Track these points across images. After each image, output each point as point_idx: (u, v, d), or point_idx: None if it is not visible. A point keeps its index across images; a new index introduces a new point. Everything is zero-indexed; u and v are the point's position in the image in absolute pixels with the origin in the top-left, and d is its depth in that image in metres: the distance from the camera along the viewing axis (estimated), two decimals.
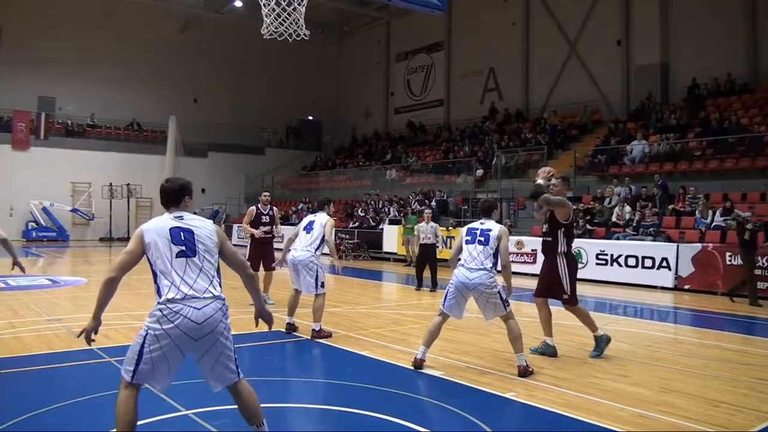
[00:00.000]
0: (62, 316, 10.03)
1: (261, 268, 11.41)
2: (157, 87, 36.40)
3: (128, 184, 33.63)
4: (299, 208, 31.33)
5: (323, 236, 8.66)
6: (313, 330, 8.58)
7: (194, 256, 4.04)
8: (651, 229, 16.82)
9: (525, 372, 6.63)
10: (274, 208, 11.92)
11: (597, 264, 16.74)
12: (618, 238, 17.17)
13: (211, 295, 4.00)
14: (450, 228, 21.03)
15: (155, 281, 4.04)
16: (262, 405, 4.31)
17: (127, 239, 33.33)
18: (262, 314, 4.46)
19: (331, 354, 7.88)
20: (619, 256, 16.36)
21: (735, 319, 11.58)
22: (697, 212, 16.97)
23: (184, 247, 4.04)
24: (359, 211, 27.92)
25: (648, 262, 15.78)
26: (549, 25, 29.69)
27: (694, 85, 23.73)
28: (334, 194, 32.08)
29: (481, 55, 33.07)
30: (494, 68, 32.86)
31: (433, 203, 23.57)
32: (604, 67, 27.61)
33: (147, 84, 36.14)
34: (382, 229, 24.78)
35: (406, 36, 38.02)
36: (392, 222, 24.71)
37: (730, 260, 14.39)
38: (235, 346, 4.21)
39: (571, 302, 7.58)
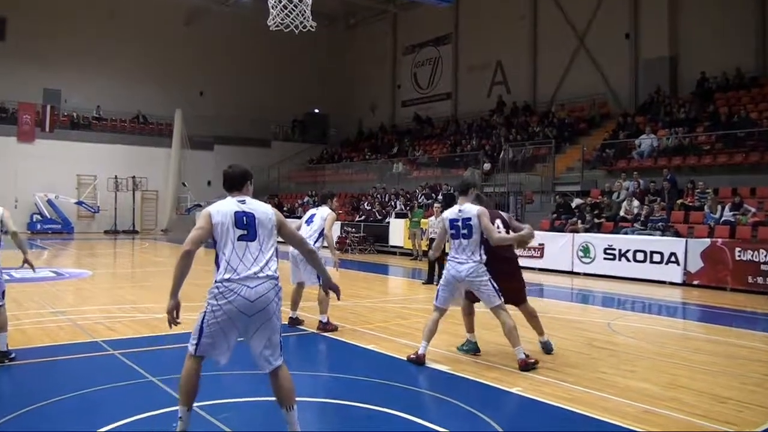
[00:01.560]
0: (66, 309, 10.04)
1: None
2: (163, 80, 36.38)
3: (134, 177, 33.68)
4: (305, 201, 31.32)
5: (323, 229, 8.65)
6: (320, 322, 8.59)
7: (254, 240, 4.33)
8: (659, 223, 16.73)
9: (526, 364, 6.61)
10: None
11: (605, 259, 16.68)
12: (626, 233, 17.08)
13: (265, 275, 4.29)
14: None
15: (216, 260, 4.33)
16: (264, 398, 4.49)
17: (132, 231, 33.66)
18: (329, 284, 4.88)
19: (336, 348, 7.86)
20: (627, 250, 16.29)
21: (744, 315, 11.52)
22: (706, 207, 16.86)
23: (245, 231, 4.33)
24: (365, 204, 27.89)
25: (656, 257, 15.69)
26: (557, 18, 29.52)
27: (703, 79, 23.58)
28: (340, 188, 32.05)
29: (488, 48, 32.92)
30: (502, 61, 32.70)
31: (440, 197, 23.51)
32: (612, 61, 27.47)
33: (153, 77, 36.13)
34: (388, 222, 24.75)
35: (413, 29, 37.87)
36: (398, 216, 24.67)
37: (739, 255, 14.31)
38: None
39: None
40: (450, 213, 7.04)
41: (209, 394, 5.34)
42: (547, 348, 7.47)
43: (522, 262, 17.92)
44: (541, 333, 7.51)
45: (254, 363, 4.36)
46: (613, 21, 27.25)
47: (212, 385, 5.74)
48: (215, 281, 4.27)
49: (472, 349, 7.43)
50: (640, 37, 26.45)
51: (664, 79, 25.13)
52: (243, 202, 4.44)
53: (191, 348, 4.34)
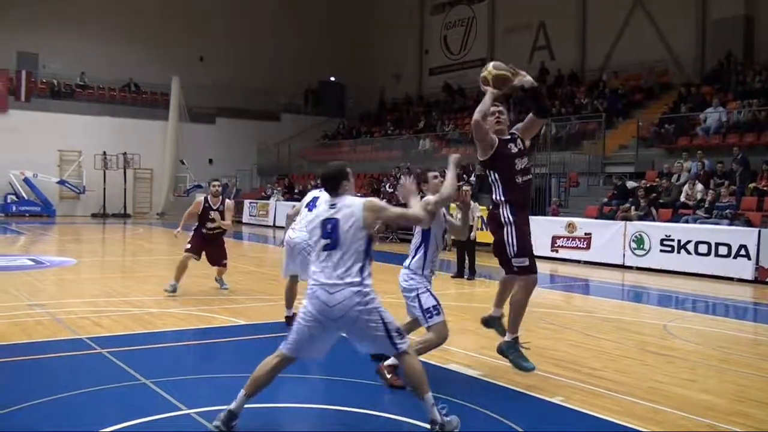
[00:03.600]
0: (46, 302, 10.14)
1: (200, 258, 11.02)
2: (157, 42, 36.33)
3: (125, 154, 33.80)
4: (318, 182, 31.33)
5: None
6: None
7: (335, 248, 4.88)
8: (727, 211, 16.56)
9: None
10: (227, 201, 11.30)
11: (662, 251, 16.54)
12: (687, 221, 16.93)
13: (344, 282, 4.83)
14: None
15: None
16: (269, 405, 4.91)
17: (123, 215, 33.87)
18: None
19: (349, 349, 7.85)
20: (688, 242, 16.13)
21: None
22: None
23: (329, 240, 4.90)
24: (387, 186, 27.87)
25: (723, 250, 15.53)
26: None
27: None
28: (359, 167, 31.98)
29: (529, 6, 32.64)
30: (545, 22, 32.45)
31: (473, 178, 23.44)
32: (675, 21, 27.09)
33: (146, 39, 36.10)
34: None
35: None
36: None
37: None
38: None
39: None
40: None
41: (208, 400, 5.41)
42: (490, 323, 6.73)
43: (565, 254, 18.08)
44: (497, 305, 6.69)
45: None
46: None
47: (211, 390, 5.82)
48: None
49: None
50: None
51: (736, 43, 24.77)
52: (333, 206, 4.99)
53: (282, 344, 4.97)
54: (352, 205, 4.93)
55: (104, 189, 33.73)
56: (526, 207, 6.46)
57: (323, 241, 4.89)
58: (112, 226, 29.08)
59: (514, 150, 6.33)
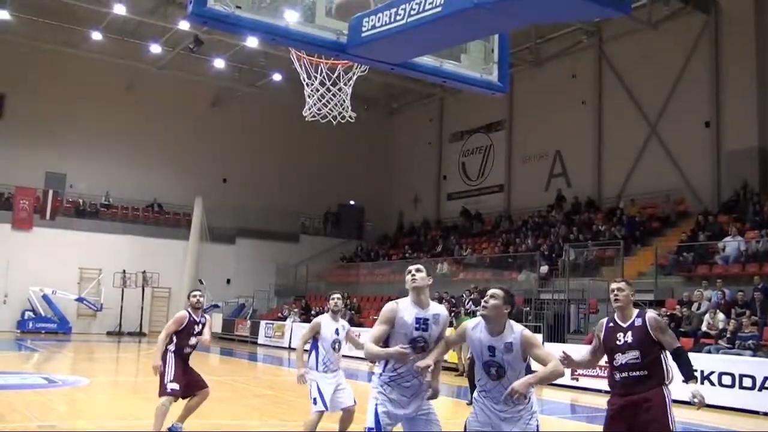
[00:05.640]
0: (56, 422, 9.95)
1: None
2: (182, 165, 37.15)
3: (144, 272, 33.91)
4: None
5: (312, 340, 8.34)
6: None
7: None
8: (750, 341, 16.21)
9: None
10: (206, 315, 9.59)
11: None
12: (709, 352, 16.57)
13: None
14: None
15: None
16: None
17: (139, 334, 33.65)
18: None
19: None
20: (711, 373, 15.69)
21: None
22: None
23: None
24: None
25: (747, 382, 15.07)
26: (625, 104, 29.80)
27: None
28: (376, 289, 31.93)
29: (546, 136, 33.24)
30: (561, 151, 32.91)
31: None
32: (690, 152, 27.42)
33: (171, 161, 36.98)
34: None
35: (462, 114, 38.51)
36: None
37: None
38: None
39: None
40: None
41: None
42: None
43: (586, 382, 17.67)
44: None
45: None
46: (690, 106, 27.37)
47: None
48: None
49: None
50: (722, 126, 26.45)
51: (752, 173, 24.94)
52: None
53: None
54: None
55: (121, 307, 33.58)
56: (627, 397, 5.95)
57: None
58: (126, 345, 28.87)
59: (620, 341, 5.84)
